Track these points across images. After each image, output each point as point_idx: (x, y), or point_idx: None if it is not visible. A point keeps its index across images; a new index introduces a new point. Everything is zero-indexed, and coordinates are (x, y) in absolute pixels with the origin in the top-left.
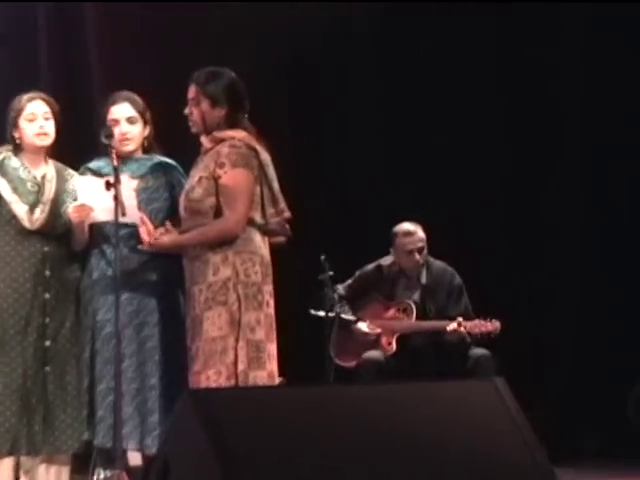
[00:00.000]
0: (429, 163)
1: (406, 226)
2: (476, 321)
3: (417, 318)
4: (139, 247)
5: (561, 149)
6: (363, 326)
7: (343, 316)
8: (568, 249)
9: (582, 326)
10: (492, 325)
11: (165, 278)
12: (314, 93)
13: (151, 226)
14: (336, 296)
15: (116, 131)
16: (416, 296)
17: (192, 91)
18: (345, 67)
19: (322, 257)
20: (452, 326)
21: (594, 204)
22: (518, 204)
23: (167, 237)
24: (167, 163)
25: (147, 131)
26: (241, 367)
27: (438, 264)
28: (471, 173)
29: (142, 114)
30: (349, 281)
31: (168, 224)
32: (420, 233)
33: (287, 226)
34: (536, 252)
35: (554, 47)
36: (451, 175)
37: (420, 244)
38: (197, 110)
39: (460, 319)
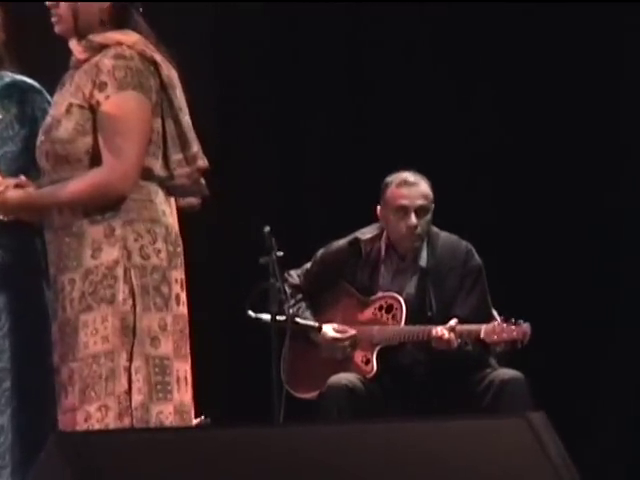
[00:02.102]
0: (414, 114)
1: (405, 175)
2: (494, 324)
3: (410, 320)
4: None
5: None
6: (329, 330)
7: (299, 320)
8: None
9: None
10: (518, 330)
11: (19, 262)
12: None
13: None
14: (288, 289)
15: None
16: (411, 287)
17: None
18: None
19: (266, 229)
20: (438, 330)
21: None
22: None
23: (16, 192)
24: (25, 84)
25: None
26: (138, 399)
27: (445, 237)
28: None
29: None
30: (307, 265)
31: (23, 178)
32: (424, 187)
33: (202, 181)
34: (595, 228)
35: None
36: (443, 128)
37: (421, 202)
38: None
39: (454, 322)
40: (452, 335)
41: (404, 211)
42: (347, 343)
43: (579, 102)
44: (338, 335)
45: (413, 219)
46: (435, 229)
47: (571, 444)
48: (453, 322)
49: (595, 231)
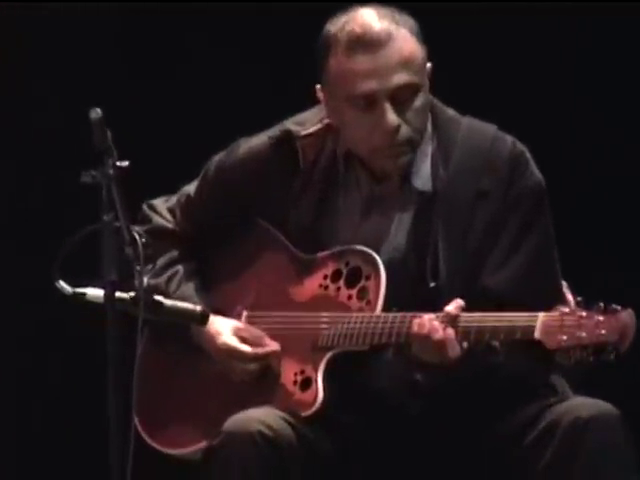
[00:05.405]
0: None
1: (362, 20)
2: (560, 311)
3: (395, 299)
4: None
5: None
6: (225, 330)
7: (166, 301)
8: None
9: None
10: (611, 323)
11: None
12: None
13: None
14: (144, 238)
15: None
16: (400, 233)
17: None
18: None
19: (93, 113)
20: (424, 320)
21: None
22: None
23: None
24: None
25: None
26: None
27: (471, 127)
28: None
29: None
30: (189, 188)
31: None
32: (402, 40)
33: None
34: None
35: None
36: None
37: (401, 77)
38: None
39: (452, 307)
40: (449, 331)
41: (369, 102)
42: (254, 366)
43: None
44: (243, 348)
45: (391, 116)
46: (449, 112)
47: None
48: (451, 307)
49: None
